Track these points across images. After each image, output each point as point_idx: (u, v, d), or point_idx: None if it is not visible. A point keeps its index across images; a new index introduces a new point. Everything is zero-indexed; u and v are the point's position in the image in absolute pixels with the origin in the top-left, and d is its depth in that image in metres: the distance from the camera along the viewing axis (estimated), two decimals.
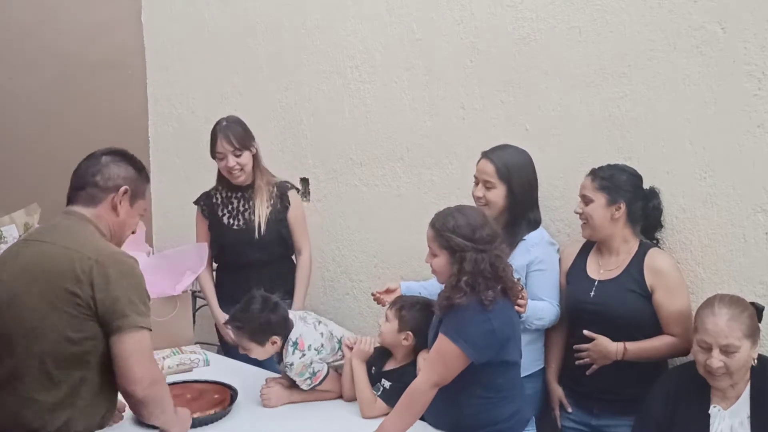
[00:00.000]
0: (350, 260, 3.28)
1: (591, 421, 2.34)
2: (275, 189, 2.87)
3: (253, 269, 2.80)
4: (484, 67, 2.77)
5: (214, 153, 2.80)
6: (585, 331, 2.26)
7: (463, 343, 1.93)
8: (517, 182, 2.39)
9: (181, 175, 3.97)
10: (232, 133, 2.76)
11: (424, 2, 2.92)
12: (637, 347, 2.21)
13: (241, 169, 2.78)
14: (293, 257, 2.95)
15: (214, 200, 2.89)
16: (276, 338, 2.25)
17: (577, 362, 2.30)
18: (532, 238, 2.38)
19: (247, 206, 2.84)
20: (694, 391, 2.00)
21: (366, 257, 3.23)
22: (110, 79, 4.12)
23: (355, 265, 3.24)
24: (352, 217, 3.29)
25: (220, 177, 2.88)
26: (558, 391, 2.42)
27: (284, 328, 2.27)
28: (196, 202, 2.94)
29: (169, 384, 2.36)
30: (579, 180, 2.37)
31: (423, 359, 2.19)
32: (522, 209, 2.41)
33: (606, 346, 2.22)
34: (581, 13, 2.51)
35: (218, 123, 2.82)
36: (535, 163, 2.54)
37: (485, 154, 2.44)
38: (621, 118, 2.44)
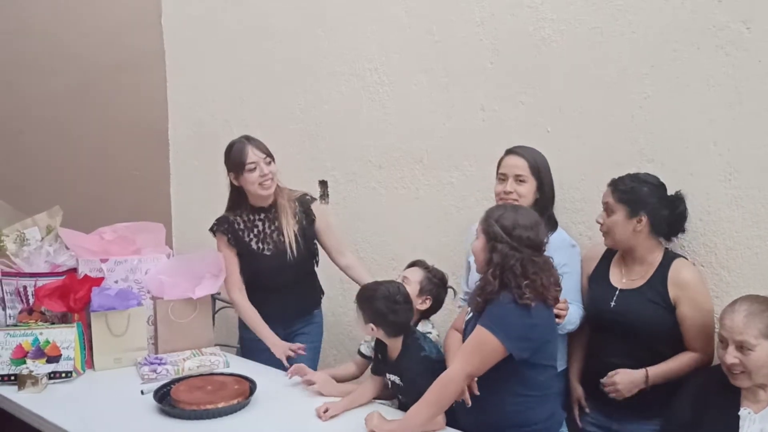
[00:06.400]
0: (368, 262, 3.27)
1: (612, 425, 2.31)
2: (297, 205, 2.76)
3: (283, 290, 2.71)
4: (503, 69, 2.76)
5: (242, 167, 2.64)
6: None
7: (501, 334, 1.90)
8: (546, 179, 2.45)
9: (201, 177, 3.99)
10: (257, 143, 2.68)
11: (443, 4, 2.92)
12: (660, 370, 2.18)
13: (272, 179, 2.67)
14: (316, 270, 2.87)
15: (237, 225, 2.73)
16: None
17: (610, 395, 2.25)
18: (554, 240, 2.35)
19: (273, 227, 2.72)
20: (725, 393, 1.98)
21: (384, 260, 3.23)
22: (130, 82, 4.15)
23: (373, 268, 3.23)
24: (371, 220, 3.29)
25: (237, 200, 2.75)
26: (578, 390, 2.40)
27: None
28: (216, 230, 2.75)
29: (190, 376, 2.44)
30: (600, 182, 2.35)
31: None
32: (546, 208, 2.43)
33: (630, 376, 2.19)
34: (602, 13, 2.49)
35: (235, 141, 2.71)
36: (556, 165, 2.52)
37: (511, 151, 2.48)
38: (643, 119, 2.42)
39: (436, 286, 2.46)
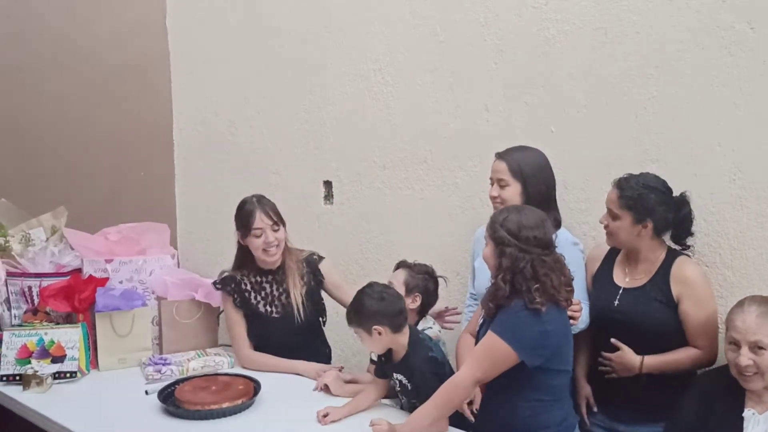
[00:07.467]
0: (373, 263, 3.28)
1: (618, 427, 2.31)
2: (305, 266, 2.70)
3: (292, 352, 2.61)
4: (508, 69, 2.76)
5: (248, 230, 2.59)
6: (613, 340, 2.24)
7: (514, 342, 1.89)
8: (532, 180, 2.39)
9: (205, 177, 4.00)
10: (268, 207, 2.62)
11: (448, 4, 2.91)
12: (657, 361, 2.18)
13: (278, 246, 2.60)
14: (324, 329, 2.78)
15: (243, 286, 2.66)
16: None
17: (599, 368, 2.28)
18: (557, 240, 2.36)
19: (281, 289, 2.66)
20: (729, 394, 1.97)
21: (389, 260, 3.21)
22: (135, 83, 4.16)
23: (378, 269, 3.23)
24: (376, 220, 3.29)
25: (244, 259, 2.68)
26: (586, 389, 2.39)
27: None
28: (222, 290, 2.69)
29: (195, 377, 2.45)
30: (605, 182, 2.33)
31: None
32: (540, 208, 2.38)
33: (630, 359, 2.20)
34: (607, 13, 2.48)
35: (247, 201, 2.65)
36: (561, 165, 2.51)
37: (498, 155, 2.47)
38: (648, 119, 2.42)
39: (422, 280, 2.46)
